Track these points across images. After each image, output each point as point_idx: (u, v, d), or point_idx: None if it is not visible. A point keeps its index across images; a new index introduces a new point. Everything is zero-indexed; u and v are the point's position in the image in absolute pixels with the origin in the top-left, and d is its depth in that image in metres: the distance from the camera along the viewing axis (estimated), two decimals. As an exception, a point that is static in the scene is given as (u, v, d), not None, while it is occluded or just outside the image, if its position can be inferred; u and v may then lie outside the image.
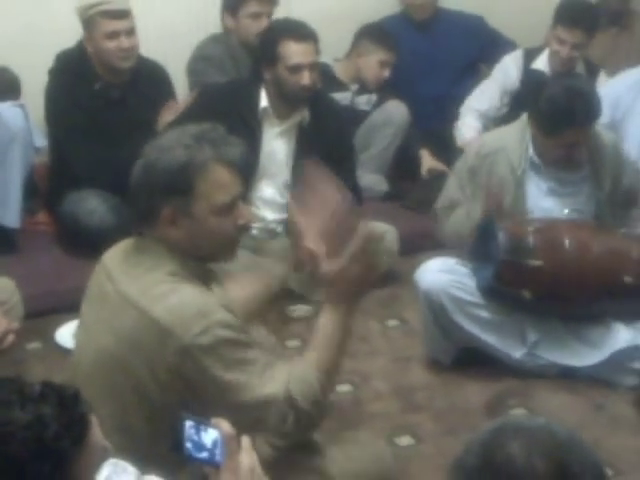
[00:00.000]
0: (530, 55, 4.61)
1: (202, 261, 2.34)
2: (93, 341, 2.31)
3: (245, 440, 1.76)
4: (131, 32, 4.03)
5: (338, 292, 2.31)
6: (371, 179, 4.57)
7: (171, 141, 2.31)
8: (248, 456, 1.75)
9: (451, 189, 3.58)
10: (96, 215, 3.95)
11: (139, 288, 2.24)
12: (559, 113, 3.27)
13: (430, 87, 4.89)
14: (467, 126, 4.53)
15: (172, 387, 2.23)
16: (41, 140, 4.16)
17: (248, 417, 2.23)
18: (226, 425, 1.75)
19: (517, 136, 3.49)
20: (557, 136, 3.29)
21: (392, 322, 3.85)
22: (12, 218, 4.00)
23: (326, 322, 2.31)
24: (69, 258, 3.99)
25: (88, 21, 3.99)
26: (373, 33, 4.59)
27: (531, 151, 3.43)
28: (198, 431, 1.74)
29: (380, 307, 3.90)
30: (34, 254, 4.00)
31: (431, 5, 5.03)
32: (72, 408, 1.61)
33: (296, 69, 3.78)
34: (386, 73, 4.67)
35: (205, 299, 2.25)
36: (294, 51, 3.79)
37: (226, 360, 2.21)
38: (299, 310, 3.86)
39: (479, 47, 5.05)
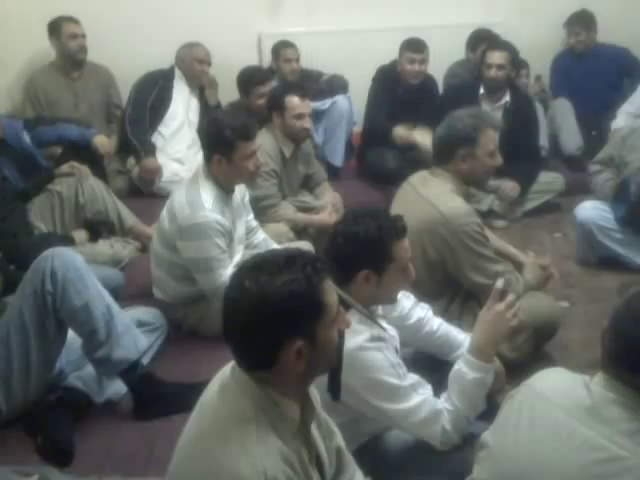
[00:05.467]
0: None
1: (471, 186, 2.38)
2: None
3: (510, 297, 1.72)
4: None
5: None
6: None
7: (460, 115, 2.38)
8: (502, 307, 1.70)
9: (608, 148, 3.39)
10: (389, 163, 3.90)
11: (432, 193, 2.31)
12: None
13: (588, 94, 4.44)
14: (617, 123, 4.07)
15: (441, 252, 2.29)
16: (358, 118, 4.18)
17: (485, 278, 2.27)
18: (499, 282, 1.75)
19: None
20: None
21: (557, 234, 3.68)
22: (338, 160, 4.06)
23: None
24: (368, 187, 3.94)
25: None
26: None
27: None
28: None
29: (550, 224, 3.77)
30: (349, 182, 3.99)
31: (589, 44, 4.56)
32: (395, 221, 1.71)
33: (489, 67, 3.72)
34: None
35: (469, 208, 2.31)
36: (491, 56, 3.72)
37: (478, 241, 2.27)
38: (499, 224, 3.79)
39: (623, 70, 4.52)
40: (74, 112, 3.80)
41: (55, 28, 3.80)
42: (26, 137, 3.24)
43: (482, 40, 4.26)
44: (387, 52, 4.01)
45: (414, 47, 3.90)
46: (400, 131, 3.92)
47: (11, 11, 3.87)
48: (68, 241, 2.80)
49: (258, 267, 1.21)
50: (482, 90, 3.80)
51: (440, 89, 4.24)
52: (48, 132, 3.38)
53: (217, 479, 1.14)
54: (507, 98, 3.79)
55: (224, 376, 1.29)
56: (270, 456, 1.15)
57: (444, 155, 2.35)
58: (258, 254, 1.31)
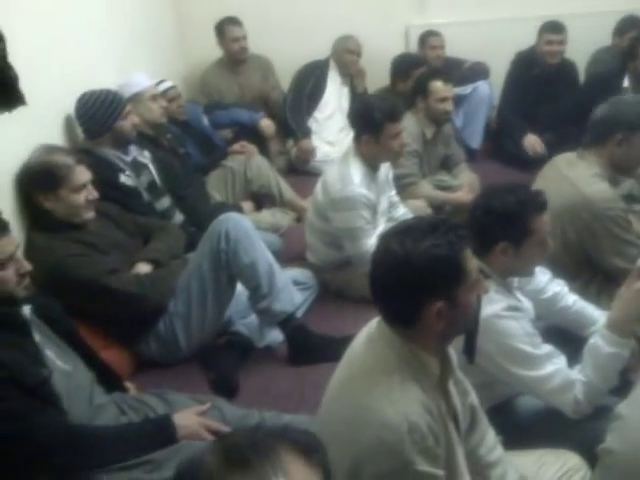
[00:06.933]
0: None
1: (619, 172, 2.10)
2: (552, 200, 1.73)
3: None
4: None
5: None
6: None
7: (627, 100, 2.14)
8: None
9: None
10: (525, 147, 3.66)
11: (577, 175, 2.06)
12: None
13: None
14: None
15: (582, 234, 2.10)
16: (496, 101, 3.96)
17: (626, 263, 2.03)
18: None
19: None
20: None
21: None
22: (476, 143, 3.88)
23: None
24: (504, 169, 3.65)
25: None
26: None
27: None
28: None
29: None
30: (485, 164, 3.72)
31: None
32: (536, 196, 1.59)
33: None
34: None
35: (614, 192, 2.04)
36: None
37: (621, 226, 2.04)
38: (637, 207, 3.39)
39: None
40: (240, 101, 3.90)
41: (220, 30, 3.87)
42: (205, 120, 3.43)
43: (631, 27, 3.84)
44: (529, 39, 3.76)
45: (552, 28, 3.64)
46: (531, 140, 3.64)
47: (190, 13, 4.07)
48: (237, 210, 2.93)
49: (404, 232, 1.19)
50: (626, 83, 3.39)
51: (581, 76, 3.90)
52: (223, 116, 3.55)
53: (364, 421, 1.14)
54: None
55: (371, 329, 1.28)
56: (412, 404, 1.14)
57: (600, 137, 2.10)
58: (404, 221, 1.29)
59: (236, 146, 3.37)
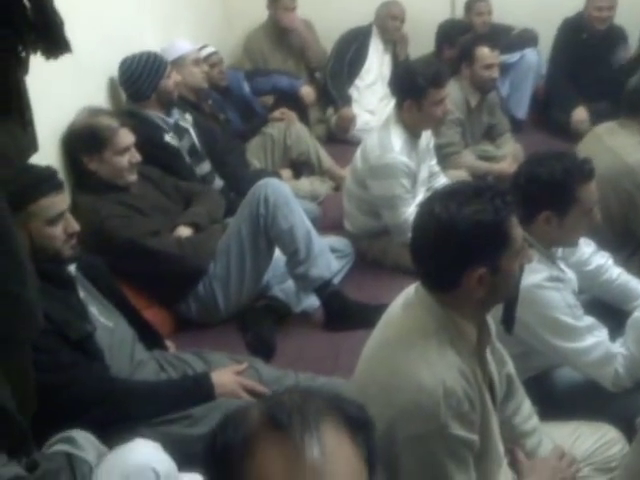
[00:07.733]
0: None
1: None
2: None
3: None
4: None
5: None
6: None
7: None
8: None
9: None
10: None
11: (618, 143, 2.00)
12: None
13: None
14: None
15: (624, 206, 2.03)
16: (544, 69, 3.81)
17: None
18: None
19: None
20: None
21: None
22: (522, 113, 3.75)
23: None
24: (550, 139, 3.50)
25: None
26: None
27: None
28: None
29: None
30: (531, 134, 3.60)
31: None
32: (582, 164, 1.55)
33: None
34: None
35: None
36: None
37: None
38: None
39: None
40: (283, 66, 3.85)
41: None
42: (246, 86, 3.41)
43: None
44: (579, 5, 3.59)
45: None
46: (581, 114, 3.49)
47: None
48: (276, 177, 2.93)
49: (448, 196, 1.16)
50: None
51: (633, 43, 3.71)
52: (264, 82, 3.52)
53: (399, 383, 1.13)
54: None
55: (408, 294, 1.27)
56: (449, 369, 1.13)
57: (637, 105, 2.04)
58: (448, 184, 1.26)
59: (276, 113, 3.35)
